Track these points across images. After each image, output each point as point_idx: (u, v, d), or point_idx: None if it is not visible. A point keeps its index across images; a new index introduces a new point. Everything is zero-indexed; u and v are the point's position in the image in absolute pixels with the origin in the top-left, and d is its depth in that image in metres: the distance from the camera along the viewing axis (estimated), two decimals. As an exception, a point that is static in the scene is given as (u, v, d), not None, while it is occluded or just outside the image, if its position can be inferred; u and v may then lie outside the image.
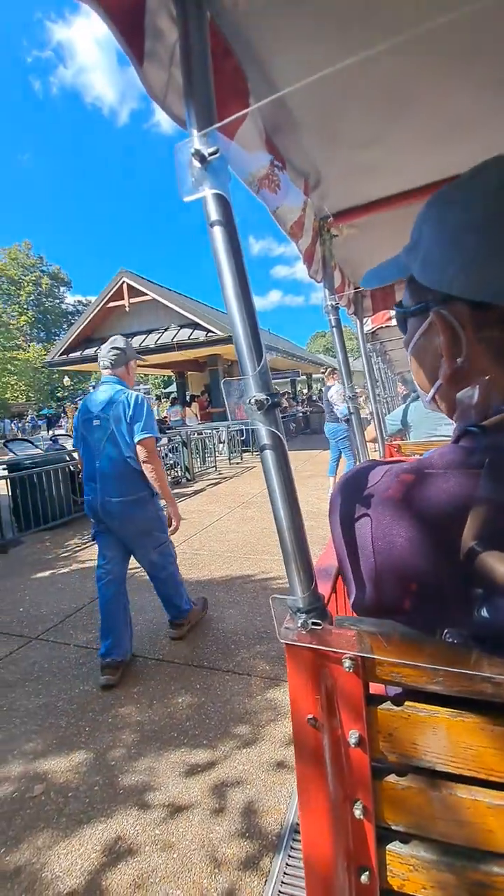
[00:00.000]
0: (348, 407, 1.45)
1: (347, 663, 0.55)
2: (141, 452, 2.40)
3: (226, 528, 5.30)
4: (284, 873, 1.43)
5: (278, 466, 0.57)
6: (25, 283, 38.80)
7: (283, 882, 1.40)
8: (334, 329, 1.37)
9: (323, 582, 0.66)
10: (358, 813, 0.60)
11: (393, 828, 0.61)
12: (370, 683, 0.60)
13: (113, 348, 2.54)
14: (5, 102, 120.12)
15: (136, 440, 2.39)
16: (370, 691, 0.59)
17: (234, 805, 1.69)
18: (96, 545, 2.63)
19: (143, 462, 2.41)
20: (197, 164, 0.53)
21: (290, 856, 1.48)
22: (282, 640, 0.57)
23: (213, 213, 0.55)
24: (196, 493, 7.56)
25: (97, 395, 2.49)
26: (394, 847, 0.62)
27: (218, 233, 0.55)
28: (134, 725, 2.13)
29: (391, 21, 0.67)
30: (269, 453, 0.57)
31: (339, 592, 1.09)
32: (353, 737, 0.58)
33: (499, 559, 0.50)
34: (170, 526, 2.61)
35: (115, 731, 2.09)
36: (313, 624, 0.55)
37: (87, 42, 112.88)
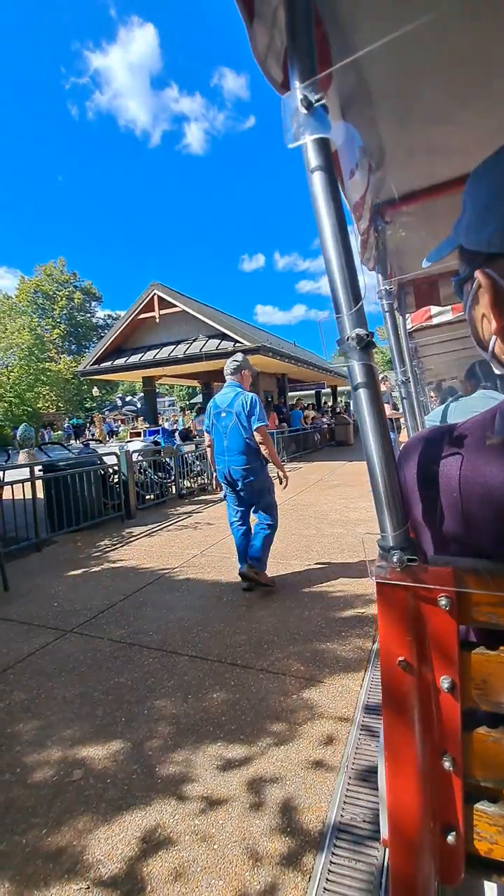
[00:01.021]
0: (400, 392, 1.45)
1: (443, 601, 0.54)
2: (257, 436, 3.34)
3: (254, 533, 5.28)
4: (329, 871, 1.38)
5: (371, 402, 0.57)
6: (59, 298, 40.19)
7: (328, 879, 1.36)
8: (387, 314, 1.38)
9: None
10: (447, 765, 0.59)
11: (482, 784, 0.60)
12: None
13: (233, 361, 3.55)
14: (45, 127, 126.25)
15: (254, 427, 3.32)
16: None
17: (273, 801, 1.66)
18: (226, 503, 3.73)
19: (259, 443, 3.36)
20: (303, 110, 0.55)
21: (333, 853, 1.44)
22: (374, 579, 0.57)
23: (314, 158, 0.57)
24: (222, 500, 7.56)
25: (223, 395, 3.48)
26: (482, 806, 0.60)
27: (318, 178, 0.57)
28: (169, 718, 2.12)
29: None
30: (363, 391, 0.58)
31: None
32: (444, 682, 0.57)
33: None
34: (282, 483, 3.59)
35: (151, 723, 2.09)
36: (409, 560, 0.55)
37: (122, 69, 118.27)
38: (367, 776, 1.71)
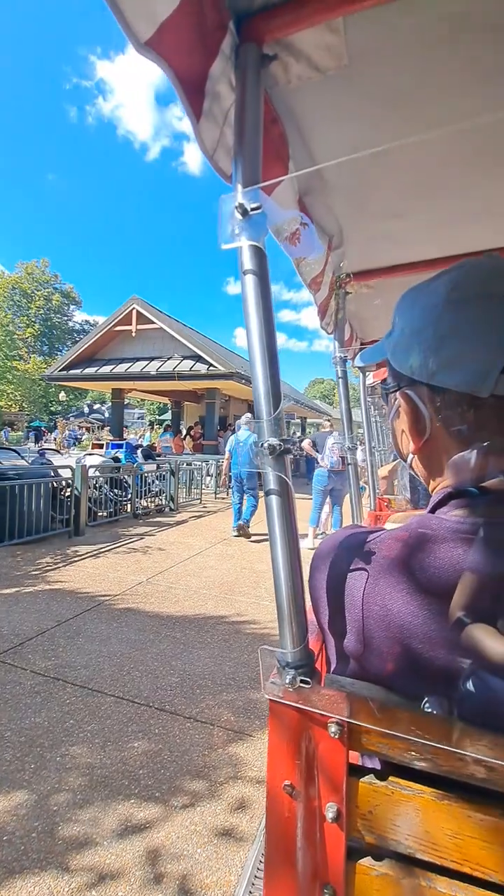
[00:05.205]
0: (343, 458, 1.47)
1: (333, 728, 0.52)
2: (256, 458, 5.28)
3: (204, 563, 5.19)
4: None
5: (283, 512, 0.56)
6: (37, 298, 39.48)
7: None
8: (340, 381, 1.41)
9: (312, 637, 0.64)
10: (327, 898, 0.56)
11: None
12: (352, 753, 0.57)
13: (247, 416, 6.81)
14: (39, 123, 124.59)
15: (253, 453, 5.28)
16: (351, 761, 0.56)
17: (177, 873, 1.56)
18: (231, 495, 6.90)
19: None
20: (239, 216, 0.55)
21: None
22: (266, 696, 0.54)
23: (248, 262, 0.57)
24: (178, 523, 7.44)
25: (242, 434, 6.47)
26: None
27: (250, 281, 0.57)
28: (83, 768, 1.98)
29: (431, 113, 0.73)
30: (274, 498, 0.56)
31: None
32: (330, 811, 0.54)
33: (486, 632, 0.49)
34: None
35: (63, 772, 1.95)
36: (301, 682, 0.53)
37: (127, 80, 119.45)
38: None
